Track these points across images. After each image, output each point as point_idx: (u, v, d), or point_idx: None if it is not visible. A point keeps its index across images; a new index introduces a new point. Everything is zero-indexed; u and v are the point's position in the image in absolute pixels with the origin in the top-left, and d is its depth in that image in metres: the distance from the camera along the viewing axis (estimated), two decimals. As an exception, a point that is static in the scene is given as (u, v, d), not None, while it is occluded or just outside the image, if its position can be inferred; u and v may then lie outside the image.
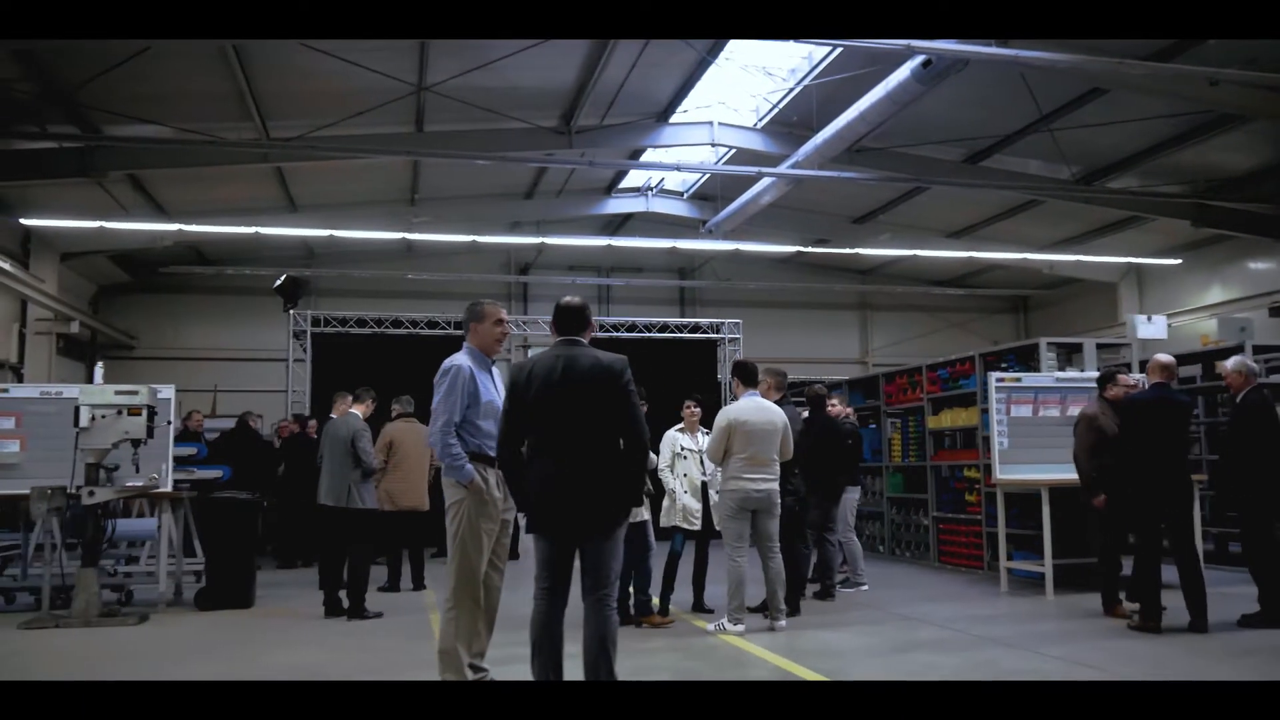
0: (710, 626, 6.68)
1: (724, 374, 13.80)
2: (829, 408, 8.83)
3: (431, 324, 13.31)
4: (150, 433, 6.53)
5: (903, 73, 10.73)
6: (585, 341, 4.27)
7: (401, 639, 6.74)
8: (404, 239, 18.35)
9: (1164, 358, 6.69)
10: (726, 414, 6.58)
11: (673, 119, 14.50)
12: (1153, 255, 18.33)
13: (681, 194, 18.81)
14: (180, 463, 9.10)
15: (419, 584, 9.23)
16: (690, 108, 14.30)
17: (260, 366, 18.32)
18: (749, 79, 13.57)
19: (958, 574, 9.36)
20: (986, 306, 23.58)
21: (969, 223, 18.62)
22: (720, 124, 14.65)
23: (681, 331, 13.91)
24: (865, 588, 8.46)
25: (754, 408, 6.64)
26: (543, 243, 18.02)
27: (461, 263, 21.18)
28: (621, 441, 4.03)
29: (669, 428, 8.30)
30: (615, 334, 13.76)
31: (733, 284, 21.75)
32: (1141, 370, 8.46)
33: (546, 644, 4.04)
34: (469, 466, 4.53)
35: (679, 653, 6.04)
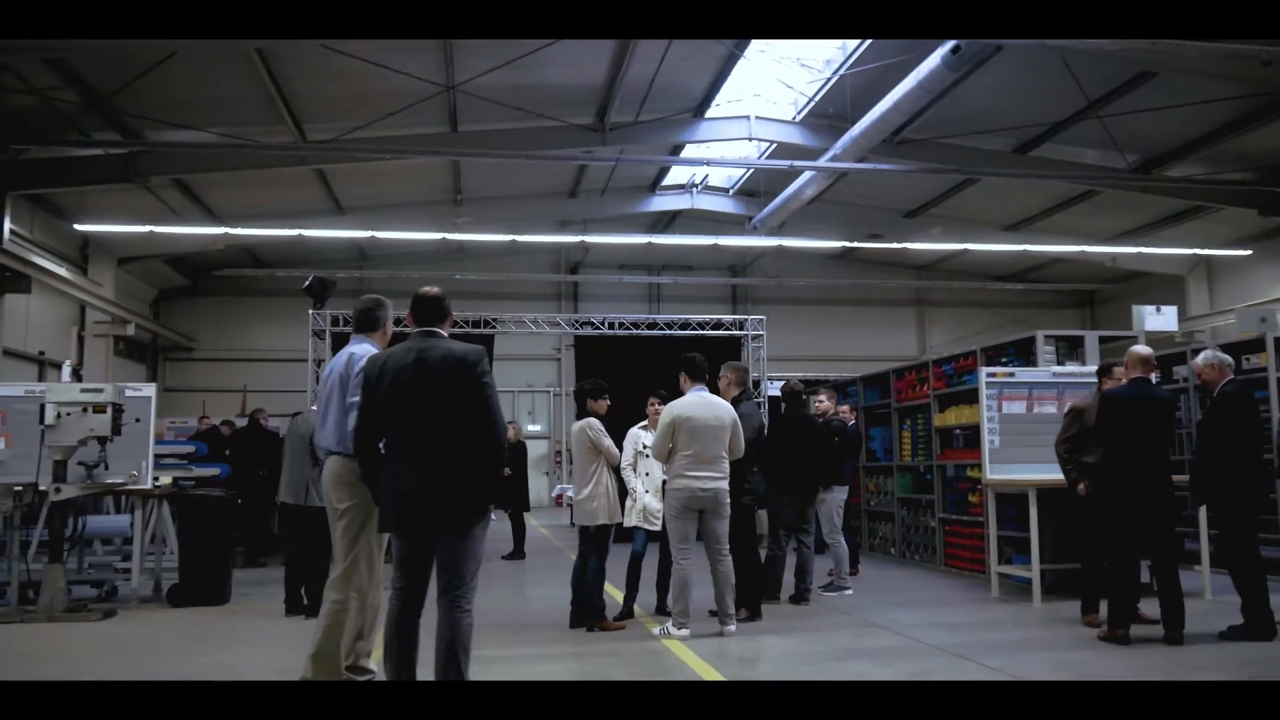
0: (655, 630, 6.44)
1: (755, 371, 13.55)
2: (816, 405, 8.54)
3: (477, 323, 13.33)
4: (118, 430, 6.62)
5: (933, 60, 10.39)
6: (444, 333, 4.13)
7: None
8: (455, 240, 18.55)
9: (1142, 350, 6.20)
10: (671, 409, 6.30)
11: (709, 114, 14.30)
12: (1220, 246, 17.53)
13: (727, 190, 18.59)
14: (180, 460, 9.20)
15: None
16: (727, 101, 14.08)
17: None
18: (783, 70, 13.31)
19: (960, 578, 8.99)
20: (1049, 302, 22.86)
21: (1025, 215, 18.04)
22: (757, 118, 14.40)
23: (704, 329, 13.68)
24: (849, 592, 8.15)
25: (700, 403, 6.40)
26: (583, 241, 17.97)
27: (512, 263, 21.29)
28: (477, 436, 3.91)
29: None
30: (643, 331, 13.60)
31: (782, 281, 21.45)
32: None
33: (396, 646, 3.90)
34: None
35: (605, 657, 5.82)
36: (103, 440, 6.57)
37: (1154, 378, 6.24)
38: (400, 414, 3.92)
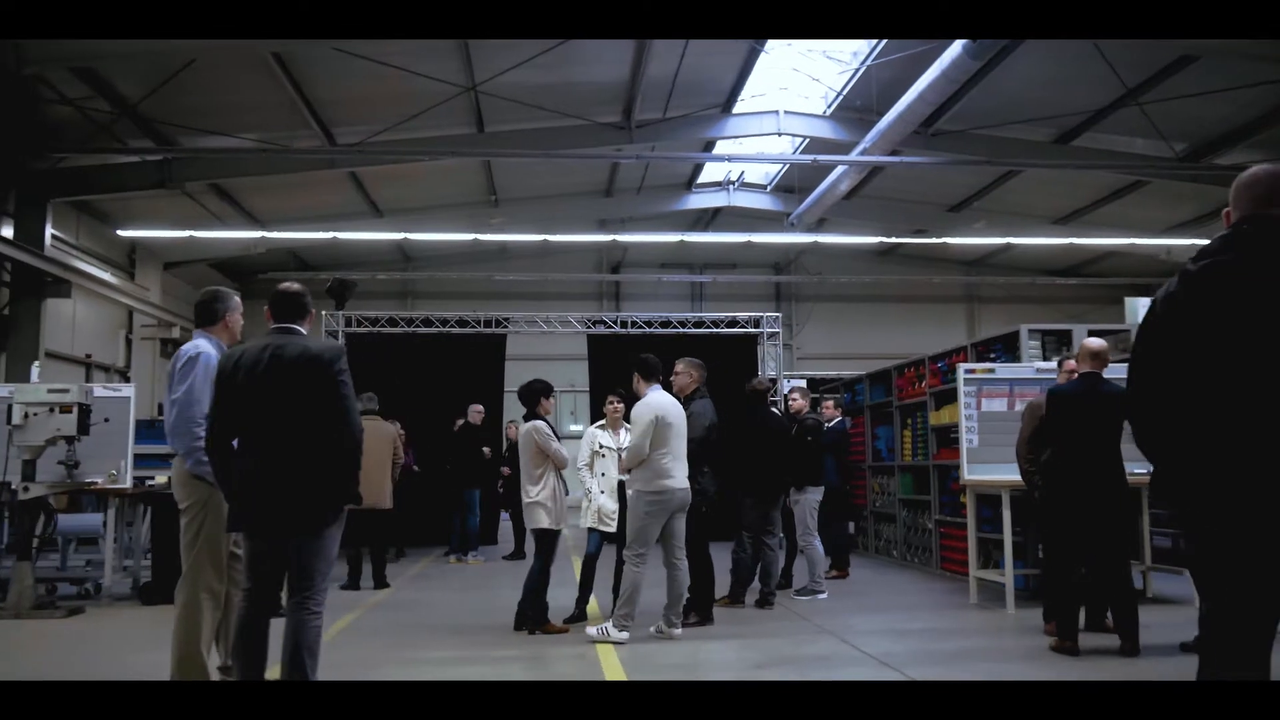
0: (592, 631, 6.21)
1: (765, 370, 13.31)
2: (790, 403, 8.32)
3: (497, 322, 13.35)
4: (85, 429, 6.71)
5: (954, 49, 10.10)
6: (303, 330, 4.04)
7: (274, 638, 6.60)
8: (496, 241, 18.65)
9: (1094, 343, 5.87)
10: (651, 408, 6.14)
11: (736, 109, 14.11)
12: (1281, 236, 16.78)
13: (764, 187, 18.36)
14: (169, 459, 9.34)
15: (380, 583, 9.09)
16: (751, 96, 13.89)
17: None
18: (809, 63, 13.08)
19: (952, 582, 8.68)
20: (1103, 296, 22.12)
21: (1073, 208, 17.49)
22: (786, 112, 14.18)
23: (719, 326, 13.50)
24: (823, 596, 7.91)
25: (670, 402, 6.28)
26: (614, 240, 17.89)
27: (553, 263, 21.31)
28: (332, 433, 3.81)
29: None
30: (656, 330, 13.48)
31: (824, 278, 21.14)
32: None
33: (241, 648, 3.82)
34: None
35: (523, 661, 5.72)
36: (70, 440, 6.67)
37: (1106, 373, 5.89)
38: (251, 411, 3.86)
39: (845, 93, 13.55)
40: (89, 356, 15.46)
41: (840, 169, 14.10)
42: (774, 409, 8.67)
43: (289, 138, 13.01)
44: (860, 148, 12.98)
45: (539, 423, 6.58)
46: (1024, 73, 12.22)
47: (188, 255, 17.33)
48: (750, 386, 7.76)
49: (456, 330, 13.00)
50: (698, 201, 18.63)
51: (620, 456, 6.53)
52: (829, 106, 14.15)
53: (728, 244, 19.51)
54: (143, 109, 11.71)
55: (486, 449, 11.49)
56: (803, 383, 12.66)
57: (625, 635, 6.08)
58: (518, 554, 11.32)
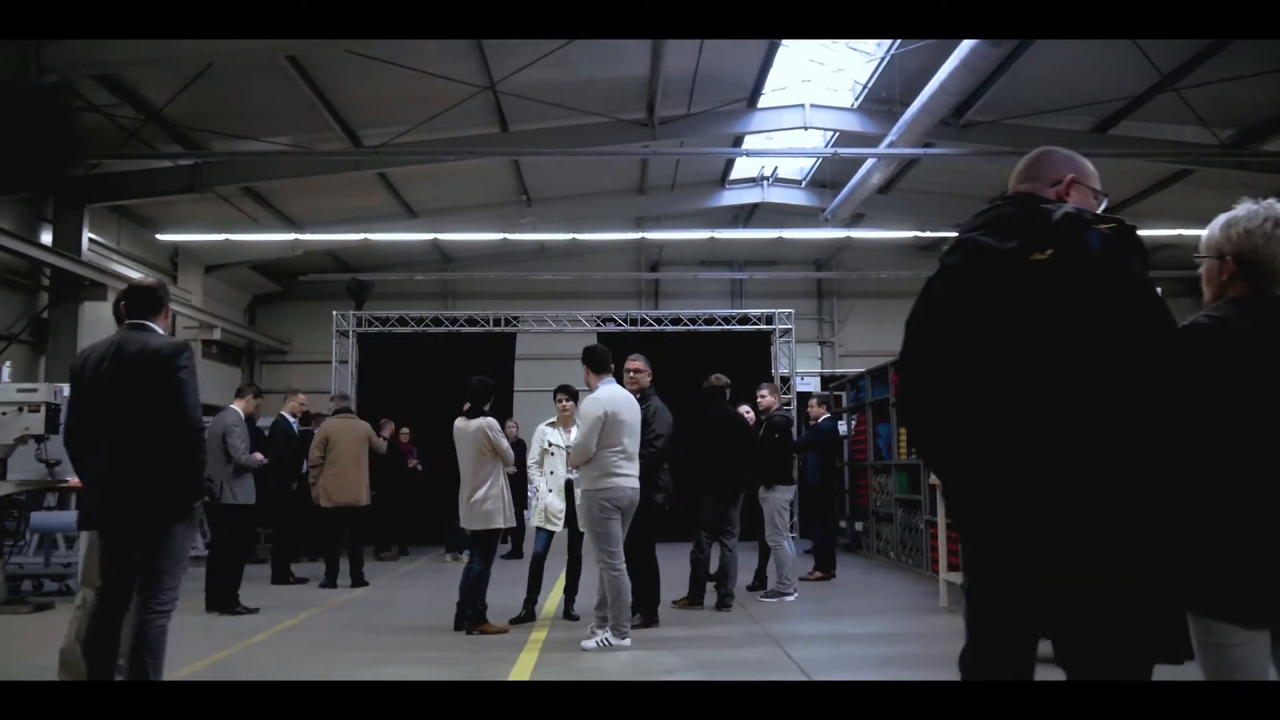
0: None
1: (780, 367, 13.10)
2: (759, 399, 8.10)
3: (505, 321, 13.37)
4: (54, 428, 6.80)
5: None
6: (155, 326, 4.00)
7: (227, 637, 6.66)
8: (535, 240, 18.70)
9: None
10: (600, 403, 5.99)
11: (762, 103, 13.92)
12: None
13: (799, 182, 18.10)
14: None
15: (358, 581, 9.08)
16: (772, 90, 13.68)
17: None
18: (832, 55, 12.85)
19: (935, 584, 8.43)
20: (1165, 290, 21.42)
21: (1119, 198, 16.91)
22: (812, 106, 13.94)
23: (731, 323, 13.32)
24: (790, 598, 7.69)
25: (624, 397, 6.13)
26: (642, 238, 17.78)
27: (594, 262, 21.28)
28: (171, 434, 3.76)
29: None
30: (667, 328, 13.37)
31: (863, 274, 20.80)
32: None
33: (90, 647, 3.79)
34: None
35: (442, 662, 5.67)
36: (39, 439, 6.80)
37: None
38: (96, 409, 3.85)
39: (871, 85, 13.28)
40: (131, 358, 15.84)
41: (870, 162, 13.84)
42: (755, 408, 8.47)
43: (314, 140, 13.17)
44: (887, 140, 12.74)
45: (492, 420, 6.53)
46: (1052, 60, 11.87)
47: (227, 258, 17.65)
48: (707, 383, 7.61)
49: (466, 329, 13.02)
50: (732, 198, 18.44)
51: (569, 455, 6.44)
52: (856, 99, 13.89)
53: (766, 241, 19.28)
54: (169, 115, 11.93)
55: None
56: (820, 380, 12.43)
57: (628, 641, 5.97)
58: (515, 553, 11.29)
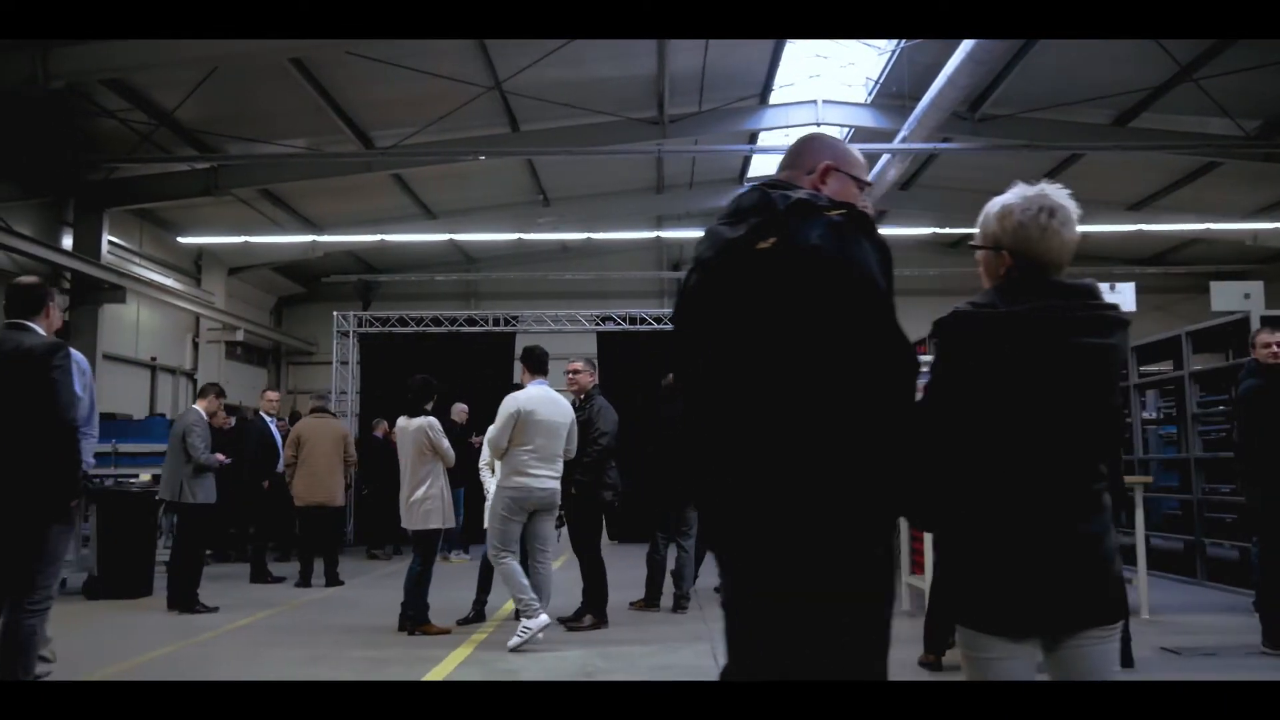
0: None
1: None
2: None
3: (505, 321, 13.36)
4: None
5: (975, 28, 9.63)
6: (35, 326, 3.98)
7: (169, 635, 6.67)
8: (557, 240, 18.74)
9: None
10: (515, 400, 6.00)
11: (773, 99, 13.80)
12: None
13: (818, 179, 17.91)
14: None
15: (332, 581, 9.08)
16: (784, 86, 13.55)
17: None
18: (843, 50, 12.70)
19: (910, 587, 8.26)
20: (1192, 286, 20.85)
21: (1146, 192, 16.60)
22: (825, 102, 13.80)
23: None
24: None
25: (544, 398, 6.09)
26: (658, 236, 17.73)
27: (615, 262, 21.24)
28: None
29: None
30: (662, 325, 13.26)
31: (886, 271, 20.55)
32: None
33: None
34: None
35: (364, 663, 5.64)
36: None
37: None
38: None
39: (883, 80, 13.11)
40: (154, 359, 16.07)
41: (884, 158, 13.66)
42: None
43: (326, 142, 13.26)
44: (900, 135, 12.56)
45: (434, 420, 6.53)
46: (1066, 52, 11.63)
47: (249, 260, 17.85)
48: (664, 382, 7.51)
49: (466, 329, 13.03)
50: (750, 196, 18.31)
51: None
52: (869, 95, 13.72)
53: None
54: (183, 119, 12.08)
55: (475, 439, 11.27)
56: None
57: (543, 618, 5.95)
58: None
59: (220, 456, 7.76)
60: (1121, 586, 2.20)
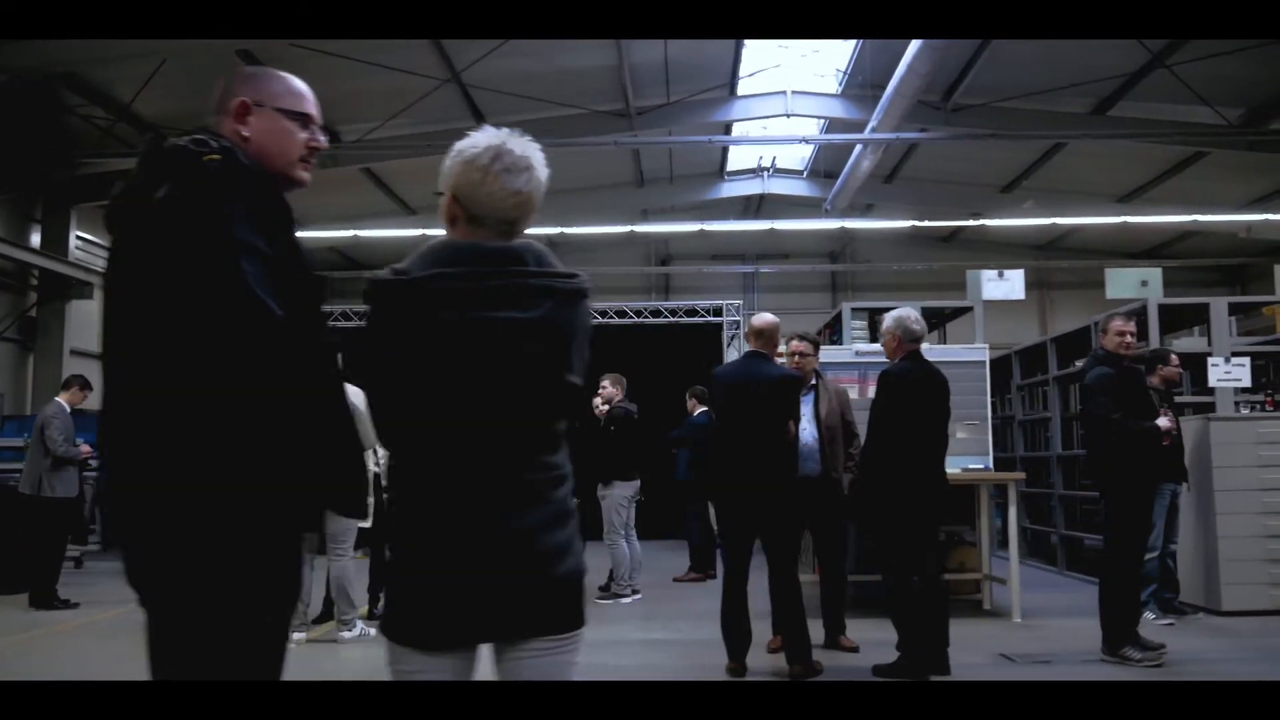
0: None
1: (730, 358, 12.75)
2: (600, 390, 7.66)
3: None
4: None
5: (926, 14, 9.40)
6: None
7: (10, 630, 6.57)
8: (543, 235, 18.55)
9: (758, 320, 5.20)
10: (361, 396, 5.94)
11: (743, 90, 13.58)
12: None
13: (800, 172, 17.70)
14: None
15: None
16: (753, 75, 13.33)
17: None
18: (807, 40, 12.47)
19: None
20: (1191, 279, 20.47)
21: (1134, 184, 16.25)
22: (794, 92, 13.57)
23: (678, 315, 12.99)
24: (628, 600, 7.36)
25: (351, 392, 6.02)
26: (632, 230, 17.50)
27: (603, 257, 21.07)
28: None
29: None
30: (607, 319, 13.14)
31: (872, 266, 20.32)
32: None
33: None
34: None
35: None
36: None
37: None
38: None
39: (850, 70, 12.88)
40: (128, 356, 16.06)
41: (858, 149, 13.42)
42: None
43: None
44: (869, 126, 12.33)
45: None
46: (1033, 39, 11.33)
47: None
48: None
49: None
50: (732, 190, 18.12)
51: None
52: (840, 85, 13.49)
53: (778, 233, 18.89)
54: (144, 114, 12.01)
55: None
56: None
57: (360, 609, 6.18)
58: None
59: (85, 449, 7.59)
60: (572, 590, 1.91)
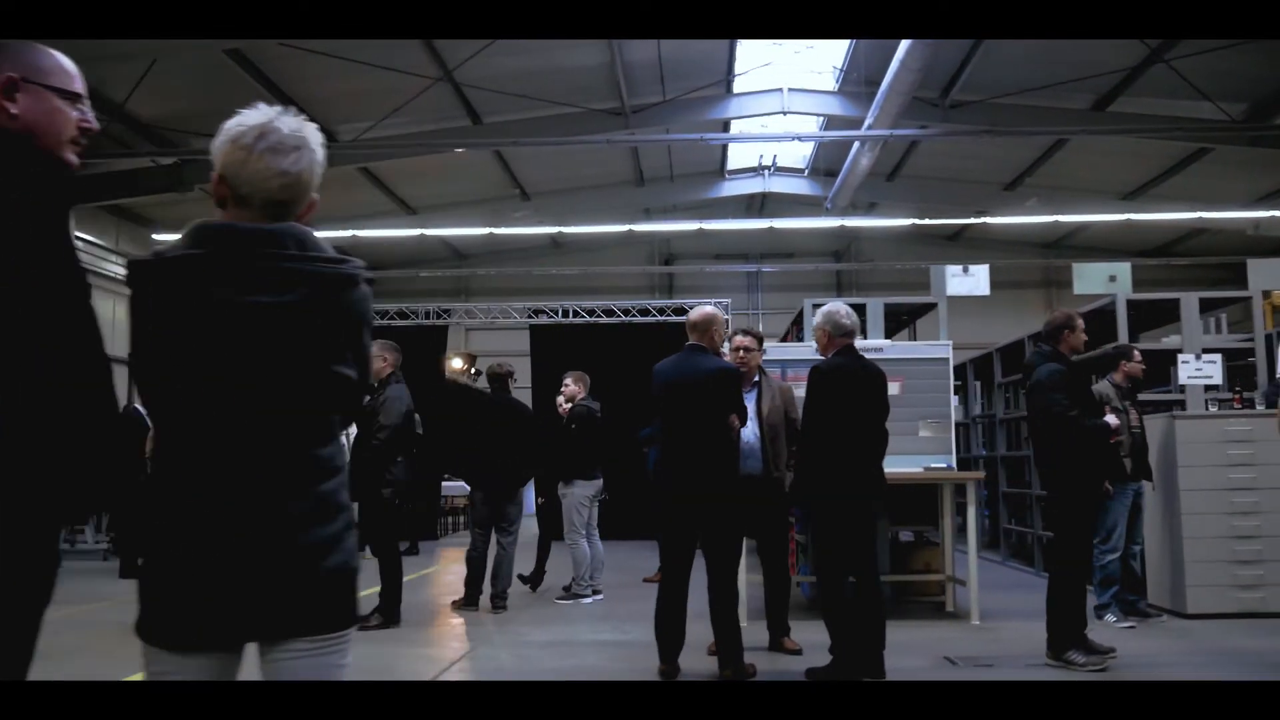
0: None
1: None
2: (563, 388, 7.57)
3: (437, 314, 13.28)
4: None
5: (915, 8, 9.29)
6: None
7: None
8: (547, 234, 18.58)
9: (694, 313, 5.07)
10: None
11: (739, 88, 13.49)
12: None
13: (802, 170, 17.59)
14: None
15: None
16: (743, 74, 13.23)
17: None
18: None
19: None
20: (1202, 277, 20.24)
21: (1138, 181, 16.06)
22: (790, 90, 13.46)
23: (666, 314, 12.90)
24: (589, 600, 7.28)
25: None
26: (630, 229, 17.46)
27: (606, 257, 21.03)
28: None
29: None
30: (594, 318, 13.10)
31: (875, 265, 20.18)
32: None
33: None
34: None
35: (117, 661, 5.43)
36: None
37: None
38: None
39: (846, 67, 12.76)
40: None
41: (855, 146, 13.31)
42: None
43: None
44: (866, 123, 12.22)
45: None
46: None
47: (233, 257, 17.82)
48: (490, 370, 7.20)
49: (398, 323, 12.89)
50: (734, 188, 18.03)
51: None
52: (837, 82, 13.38)
53: (782, 232, 18.83)
54: (142, 116, 12.04)
55: None
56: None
57: None
58: (411, 550, 11.19)
59: None
60: (339, 588, 1.79)
